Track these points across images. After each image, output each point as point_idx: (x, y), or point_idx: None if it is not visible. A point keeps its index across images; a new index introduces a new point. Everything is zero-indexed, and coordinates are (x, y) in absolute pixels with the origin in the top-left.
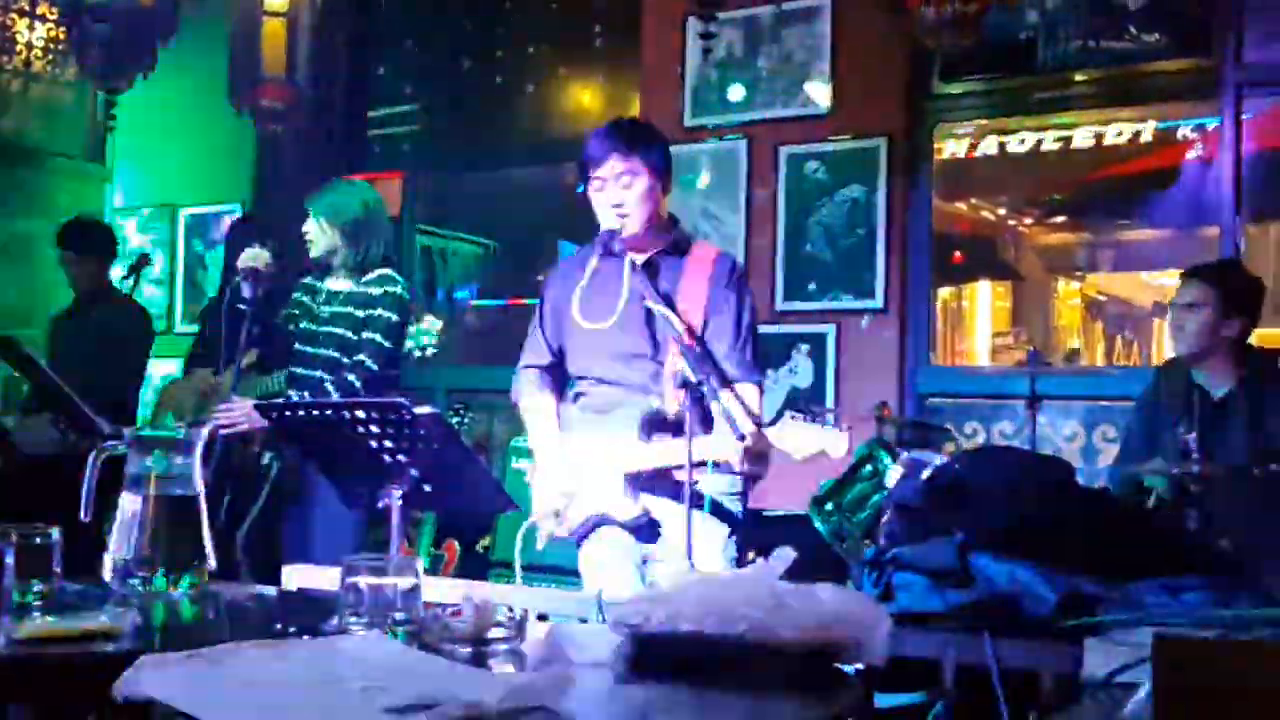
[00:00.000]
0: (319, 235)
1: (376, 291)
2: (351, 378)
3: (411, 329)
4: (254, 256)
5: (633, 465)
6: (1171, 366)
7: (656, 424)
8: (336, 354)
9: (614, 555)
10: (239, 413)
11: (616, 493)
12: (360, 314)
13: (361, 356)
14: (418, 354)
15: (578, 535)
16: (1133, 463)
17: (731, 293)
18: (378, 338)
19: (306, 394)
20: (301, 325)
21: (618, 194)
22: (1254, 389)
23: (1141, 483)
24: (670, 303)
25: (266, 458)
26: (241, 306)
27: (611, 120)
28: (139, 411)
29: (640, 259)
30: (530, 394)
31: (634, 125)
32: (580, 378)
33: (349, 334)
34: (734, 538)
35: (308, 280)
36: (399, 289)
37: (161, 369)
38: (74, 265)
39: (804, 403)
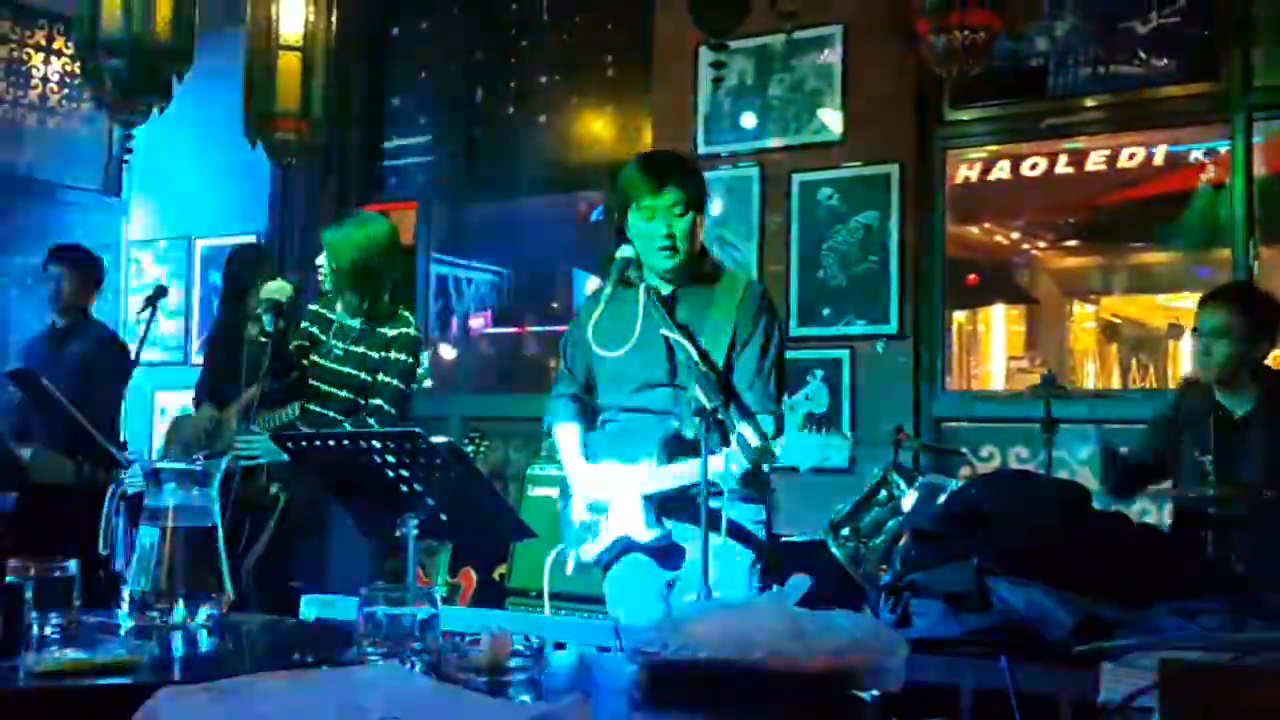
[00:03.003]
0: (330, 273)
1: (391, 334)
2: (372, 421)
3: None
4: (278, 289)
5: (652, 487)
6: (1191, 387)
7: (675, 446)
8: (351, 395)
9: (638, 582)
10: (259, 447)
11: (638, 515)
12: (375, 355)
13: (379, 402)
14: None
15: (603, 561)
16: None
17: (758, 323)
18: (394, 382)
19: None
20: (313, 358)
21: (670, 225)
22: (1273, 409)
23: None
24: (691, 331)
25: (274, 489)
26: (263, 340)
27: (655, 151)
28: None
29: (666, 289)
30: (559, 424)
31: (681, 158)
32: (607, 406)
33: (363, 375)
34: (758, 565)
35: (317, 308)
36: (412, 329)
37: (180, 401)
38: (64, 283)
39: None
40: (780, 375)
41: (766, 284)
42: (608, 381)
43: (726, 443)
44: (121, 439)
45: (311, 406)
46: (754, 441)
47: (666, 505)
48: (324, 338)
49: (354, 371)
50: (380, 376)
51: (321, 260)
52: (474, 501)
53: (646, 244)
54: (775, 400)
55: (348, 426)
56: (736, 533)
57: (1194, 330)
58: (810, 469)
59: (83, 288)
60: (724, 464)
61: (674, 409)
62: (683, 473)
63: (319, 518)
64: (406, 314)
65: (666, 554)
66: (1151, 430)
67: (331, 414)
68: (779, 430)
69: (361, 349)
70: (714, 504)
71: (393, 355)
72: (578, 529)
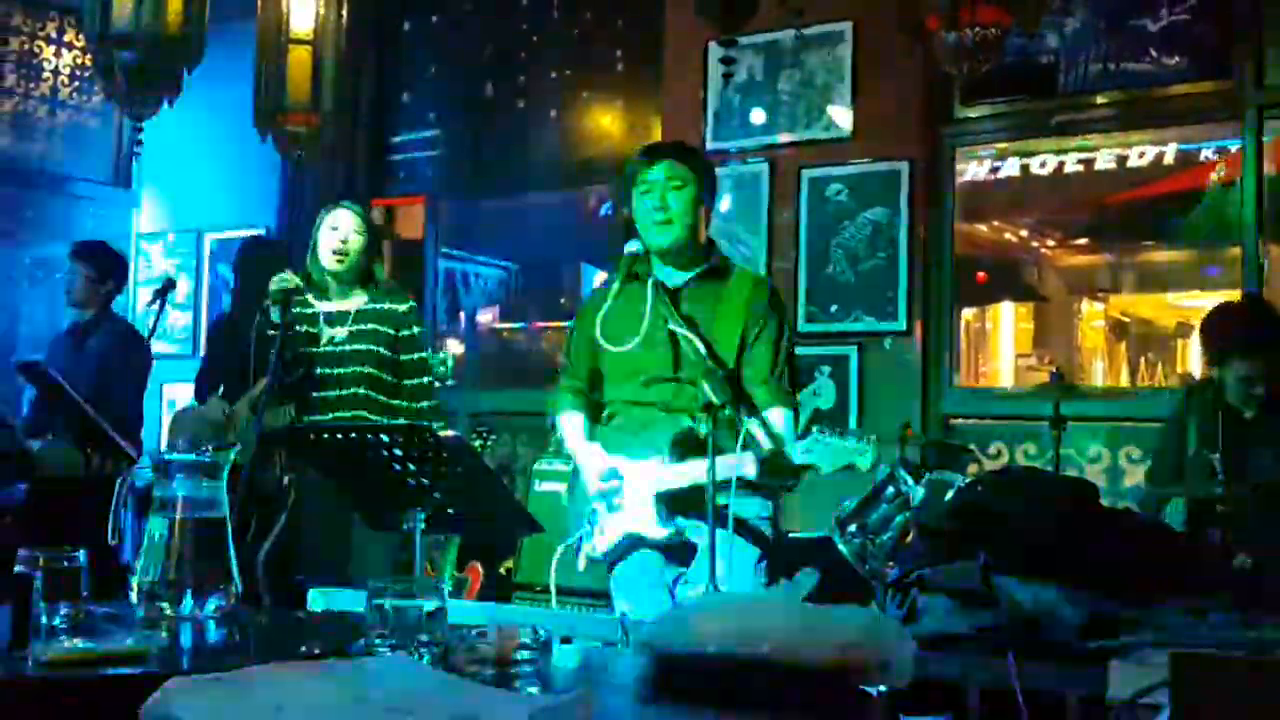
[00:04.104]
0: (361, 247)
1: (402, 308)
2: (424, 403)
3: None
4: (285, 281)
5: (663, 485)
6: (1199, 386)
7: (687, 444)
8: (374, 370)
9: (645, 577)
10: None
11: (649, 513)
12: (391, 331)
13: (425, 380)
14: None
15: (611, 557)
16: (1161, 483)
17: (769, 319)
18: (423, 355)
19: (357, 413)
20: (313, 351)
21: (666, 198)
22: None
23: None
24: (698, 327)
25: (286, 480)
26: (271, 332)
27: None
28: (139, 434)
29: (673, 284)
30: (565, 412)
31: (683, 144)
32: (612, 400)
33: (383, 349)
34: (765, 561)
35: (302, 310)
36: (413, 301)
37: (188, 394)
38: (84, 280)
39: (828, 422)
40: (793, 370)
41: (774, 280)
42: (614, 376)
43: (736, 439)
44: (140, 435)
45: (327, 394)
46: (765, 443)
47: (677, 502)
48: (316, 330)
49: (371, 347)
50: (405, 355)
51: (349, 235)
52: (481, 496)
53: (644, 220)
54: (789, 395)
55: (385, 404)
56: (744, 529)
57: (1239, 377)
58: (832, 472)
59: (103, 284)
60: (736, 463)
61: (676, 402)
62: (695, 471)
63: (343, 511)
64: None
65: (675, 550)
66: (1166, 435)
67: (364, 391)
68: (795, 423)
69: (372, 325)
70: (722, 500)
71: (414, 331)
72: (594, 498)
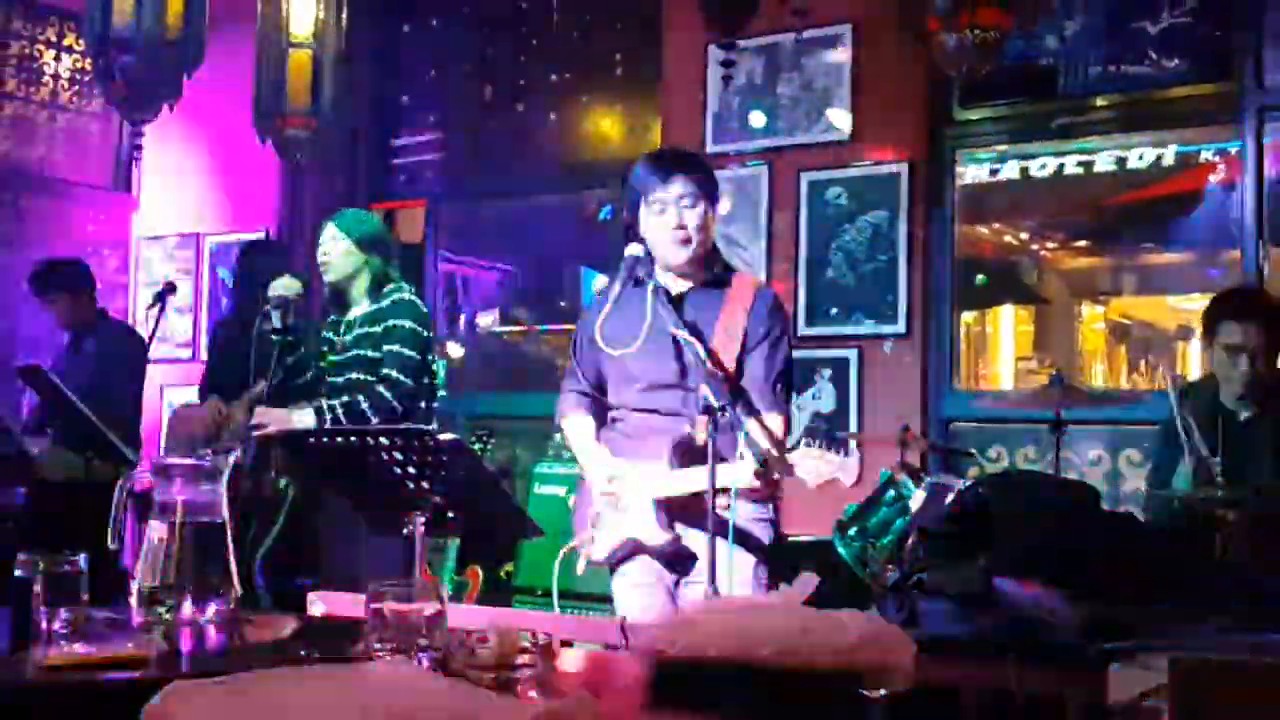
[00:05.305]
0: (340, 255)
1: (386, 303)
2: (382, 389)
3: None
4: (286, 285)
5: (662, 491)
6: (1195, 388)
7: (687, 450)
8: (360, 375)
9: (646, 582)
10: (272, 421)
11: (648, 519)
12: (378, 329)
13: (386, 370)
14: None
15: (611, 561)
16: (1162, 486)
17: (767, 327)
18: (397, 347)
19: (342, 412)
20: (329, 359)
21: (681, 217)
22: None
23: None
24: (699, 332)
25: (283, 483)
26: (274, 336)
27: (662, 148)
28: (139, 434)
29: (676, 290)
30: (569, 416)
31: (688, 152)
32: (616, 405)
33: (371, 352)
34: (763, 566)
35: (332, 318)
36: (407, 294)
37: (187, 397)
38: (61, 305)
39: (821, 430)
40: (790, 379)
41: (774, 283)
42: (617, 381)
43: (736, 444)
44: (139, 436)
45: (330, 402)
46: (763, 443)
47: (676, 509)
48: (336, 338)
49: (363, 351)
50: (385, 346)
51: (328, 249)
52: (481, 499)
53: (660, 238)
54: (782, 403)
55: (362, 401)
56: (744, 534)
57: (1224, 345)
58: (818, 485)
59: (77, 298)
60: (736, 472)
61: (686, 412)
62: (695, 478)
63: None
64: (406, 286)
65: (675, 556)
66: (1162, 437)
67: (346, 397)
68: (786, 431)
69: (366, 328)
70: (722, 503)
71: (393, 323)
72: (593, 513)
